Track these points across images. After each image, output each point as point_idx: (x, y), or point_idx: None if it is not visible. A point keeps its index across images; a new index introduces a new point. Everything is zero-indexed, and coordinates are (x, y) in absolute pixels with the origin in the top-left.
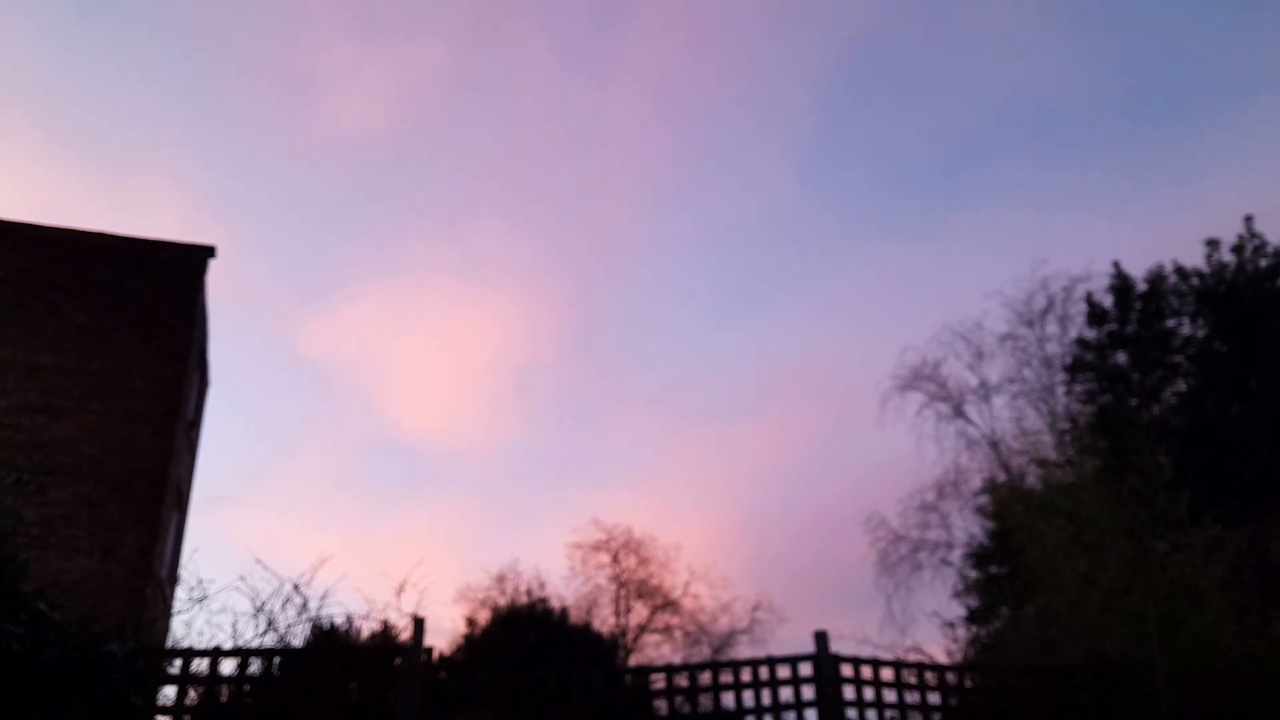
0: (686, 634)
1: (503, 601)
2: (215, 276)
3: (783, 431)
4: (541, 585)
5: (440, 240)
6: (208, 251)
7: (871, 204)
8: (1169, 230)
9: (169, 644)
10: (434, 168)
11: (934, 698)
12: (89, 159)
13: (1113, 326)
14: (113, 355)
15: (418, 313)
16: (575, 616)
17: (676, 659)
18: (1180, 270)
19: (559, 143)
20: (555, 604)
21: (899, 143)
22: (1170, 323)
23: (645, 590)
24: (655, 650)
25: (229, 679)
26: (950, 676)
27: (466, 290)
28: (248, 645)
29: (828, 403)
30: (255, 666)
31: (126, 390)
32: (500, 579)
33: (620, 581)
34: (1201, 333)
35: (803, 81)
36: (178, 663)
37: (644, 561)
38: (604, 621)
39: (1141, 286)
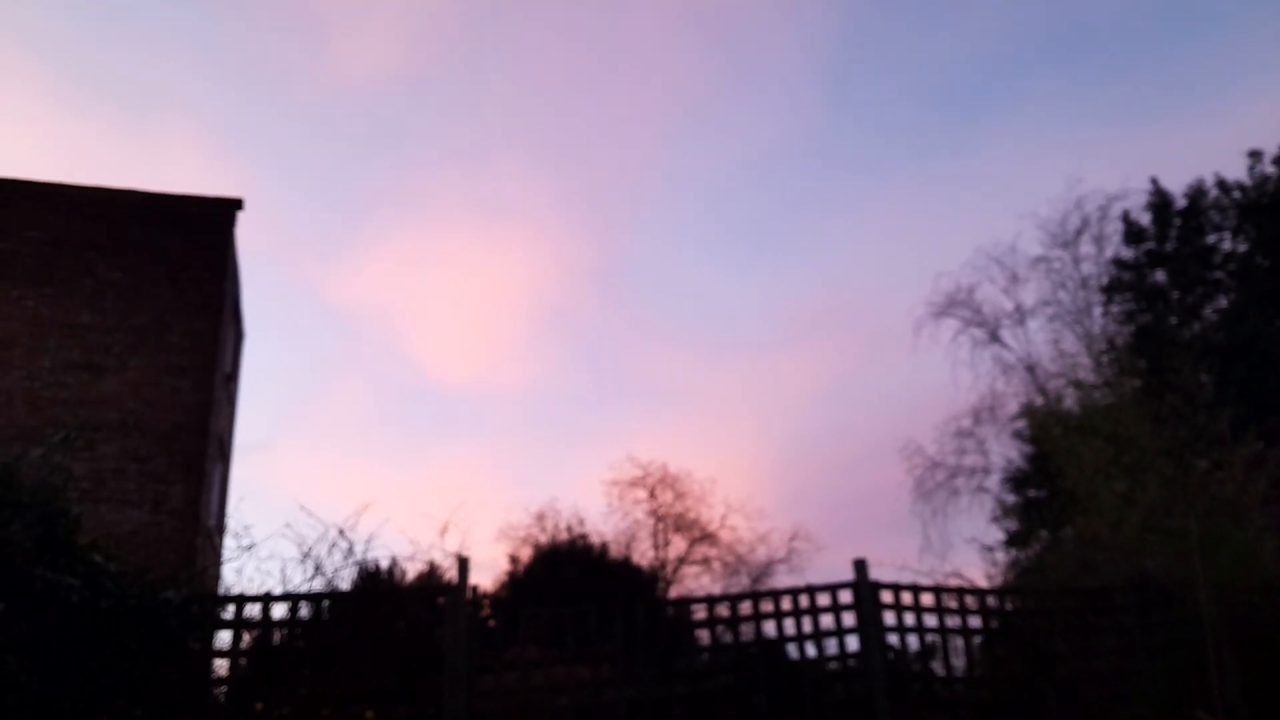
0: (725, 565)
1: (543, 539)
2: (242, 225)
3: (815, 362)
4: (581, 522)
5: (463, 179)
6: (235, 204)
7: (901, 125)
8: (1209, 144)
9: (220, 591)
10: (453, 106)
11: (974, 621)
12: (107, 112)
13: (1151, 244)
14: (149, 311)
15: (444, 254)
16: (615, 551)
17: (716, 590)
18: (1221, 184)
19: (578, 75)
20: (595, 540)
21: (928, 59)
22: (1211, 238)
23: (683, 524)
24: (694, 582)
25: (280, 623)
26: (990, 600)
27: (491, 229)
28: (297, 590)
29: (860, 332)
30: (305, 610)
31: (165, 345)
32: (540, 517)
33: (658, 516)
34: (1243, 247)
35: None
36: (230, 608)
37: (681, 496)
38: (643, 555)
39: (1181, 202)
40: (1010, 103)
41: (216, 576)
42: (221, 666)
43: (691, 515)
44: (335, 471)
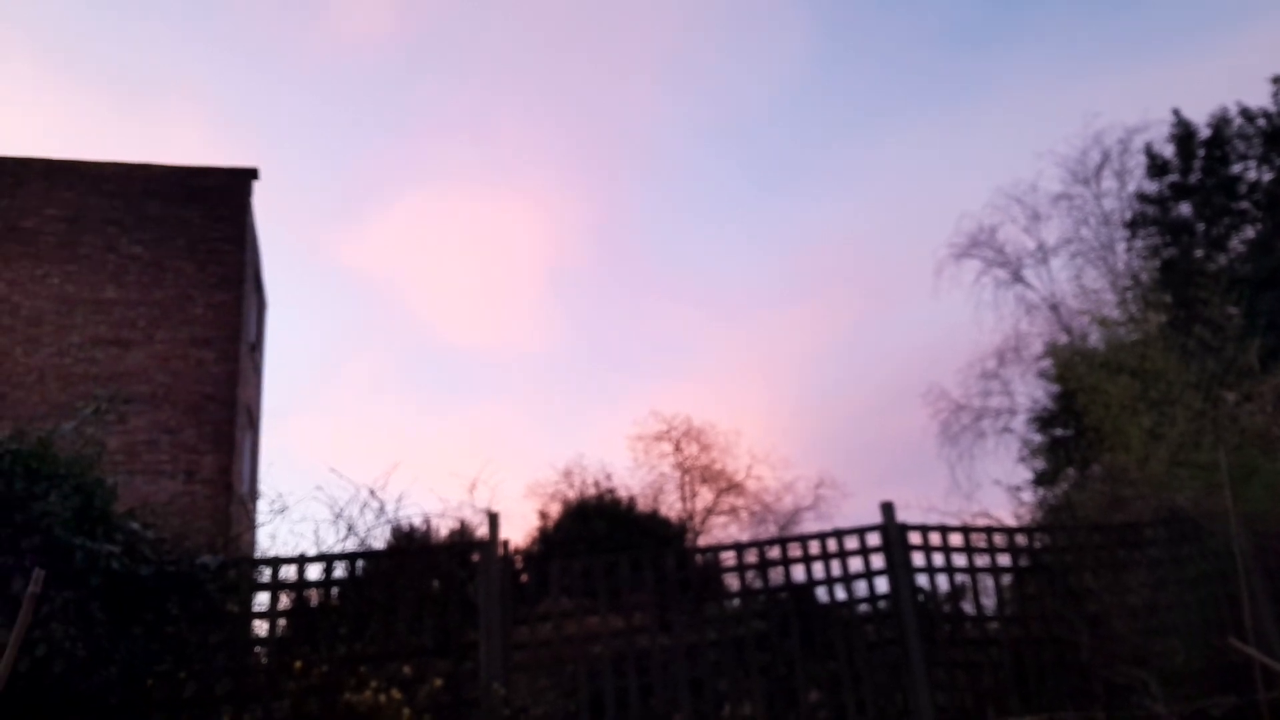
0: (752, 514)
1: (571, 495)
2: (256, 195)
3: (834, 310)
4: (608, 477)
5: (467, 141)
6: (251, 173)
7: (908, 65)
8: (1231, 72)
9: (257, 555)
10: (451, 68)
11: (1003, 559)
12: (107, 90)
13: (1175, 177)
14: (172, 284)
15: (454, 217)
16: (643, 505)
17: (744, 538)
18: (1245, 112)
19: (577, 31)
20: (622, 494)
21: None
22: (1236, 168)
23: (709, 475)
24: (723, 531)
25: (316, 583)
26: (1019, 538)
27: (499, 190)
28: (331, 551)
29: (879, 278)
30: (340, 570)
31: (189, 317)
32: (567, 473)
33: (684, 469)
34: (1269, 176)
35: None
36: (267, 571)
37: (705, 448)
38: (671, 507)
39: (1204, 133)
40: (1019, 38)
41: (252, 541)
42: (260, 628)
43: (717, 467)
44: (361, 435)
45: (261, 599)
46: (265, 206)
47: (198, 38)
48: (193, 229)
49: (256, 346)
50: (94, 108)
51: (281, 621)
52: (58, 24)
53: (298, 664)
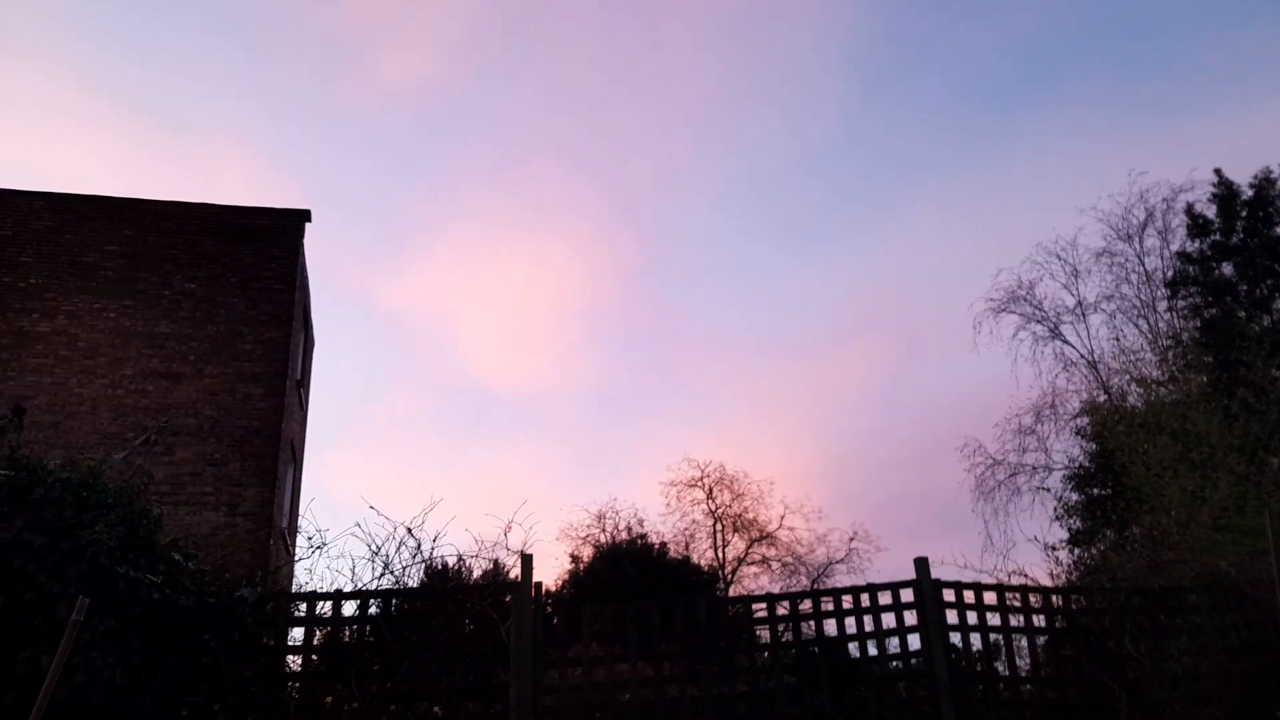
0: (784, 565)
1: (604, 538)
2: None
3: (870, 360)
4: (640, 522)
5: (506, 187)
6: (304, 215)
7: (946, 120)
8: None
9: (294, 589)
10: (493, 116)
11: (1039, 620)
12: (156, 131)
13: (1217, 236)
14: (223, 320)
15: (493, 260)
16: (674, 551)
17: (775, 589)
18: None
19: (615, 79)
20: (654, 539)
21: (971, 53)
22: (1279, 229)
23: (741, 524)
24: (753, 581)
25: (351, 619)
26: (1055, 599)
27: (537, 235)
28: (367, 588)
29: (916, 329)
30: (375, 607)
31: (238, 353)
32: (600, 517)
33: (716, 516)
34: None
35: None
36: (303, 606)
37: (738, 496)
38: (702, 555)
39: (1247, 193)
40: (1059, 96)
41: (290, 575)
42: (295, 662)
43: (749, 515)
44: (399, 472)
45: (296, 633)
46: (311, 247)
47: (247, 86)
48: (245, 267)
49: (302, 383)
50: (146, 149)
51: (315, 657)
52: (114, 68)
53: (328, 699)
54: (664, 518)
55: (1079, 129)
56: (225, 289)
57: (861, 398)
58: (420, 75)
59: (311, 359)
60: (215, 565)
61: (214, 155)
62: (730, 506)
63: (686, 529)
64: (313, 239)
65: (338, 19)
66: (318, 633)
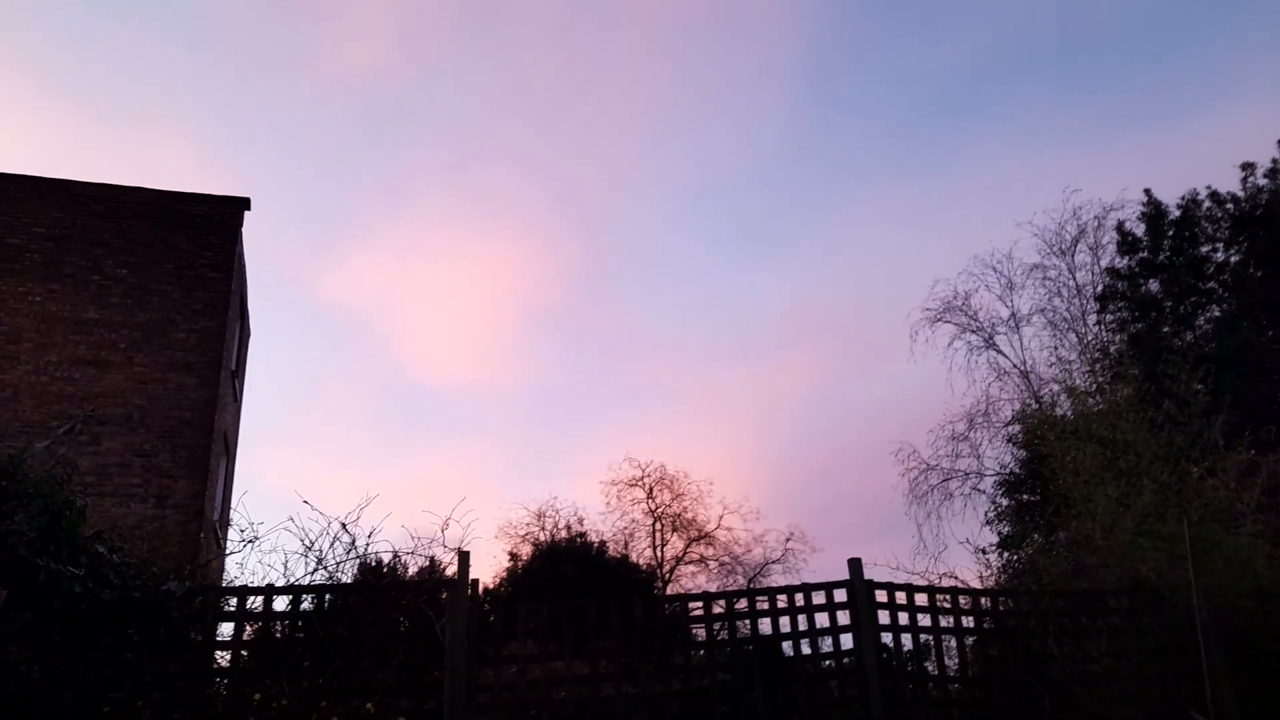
0: (721, 564)
1: (544, 537)
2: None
3: (809, 366)
4: (580, 521)
5: (452, 179)
6: (243, 203)
7: (893, 131)
8: (1202, 153)
9: (224, 583)
10: (438, 110)
11: (968, 621)
12: (95, 115)
13: (1145, 254)
14: (156, 308)
15: (435, 253)
16: (613, 549)
17: (712, 588)
18: (1214, 195)
19: (566, 76)
20: (594, 538)
21: (919, 67)
22: (1204, 249)
23: (680, 524)
24: (691, 580)
25: (283, 615)
26: (984, 600)
27: (481, 229)
28: (299, 583)
29: (854, 336)
30: (308, 603)
31: (171, 342)
32: (540, 515)
33: (656, 516)
34: (1235, 258)
35: (818, 4)
36: (233, 600)
37: (678, 496)
38: (641, 554)
39: (1174, 213)
40: (1001, 111)
41: (220, 569)
42: (223, 658)
43: (688, 515)
44: (334, 466)
45: (226, 629)
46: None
47: (186, 73)
48: (180, 254)
49: (237, 374)
50: (80, 129)
51: (245, 653)
52: (51, 46)
53: (257, 696)
54: (604, 516)
55: (1021, 143)
56: (159, 276)
57: (803, 402)
58: (365, 67)
59: (247, 350)
60: (142, 558)
61: (151, 143)
62: (670, 506)
63: (626, 528)
64: (251, 229)
65: (280, 5)
66: (248, 628)
